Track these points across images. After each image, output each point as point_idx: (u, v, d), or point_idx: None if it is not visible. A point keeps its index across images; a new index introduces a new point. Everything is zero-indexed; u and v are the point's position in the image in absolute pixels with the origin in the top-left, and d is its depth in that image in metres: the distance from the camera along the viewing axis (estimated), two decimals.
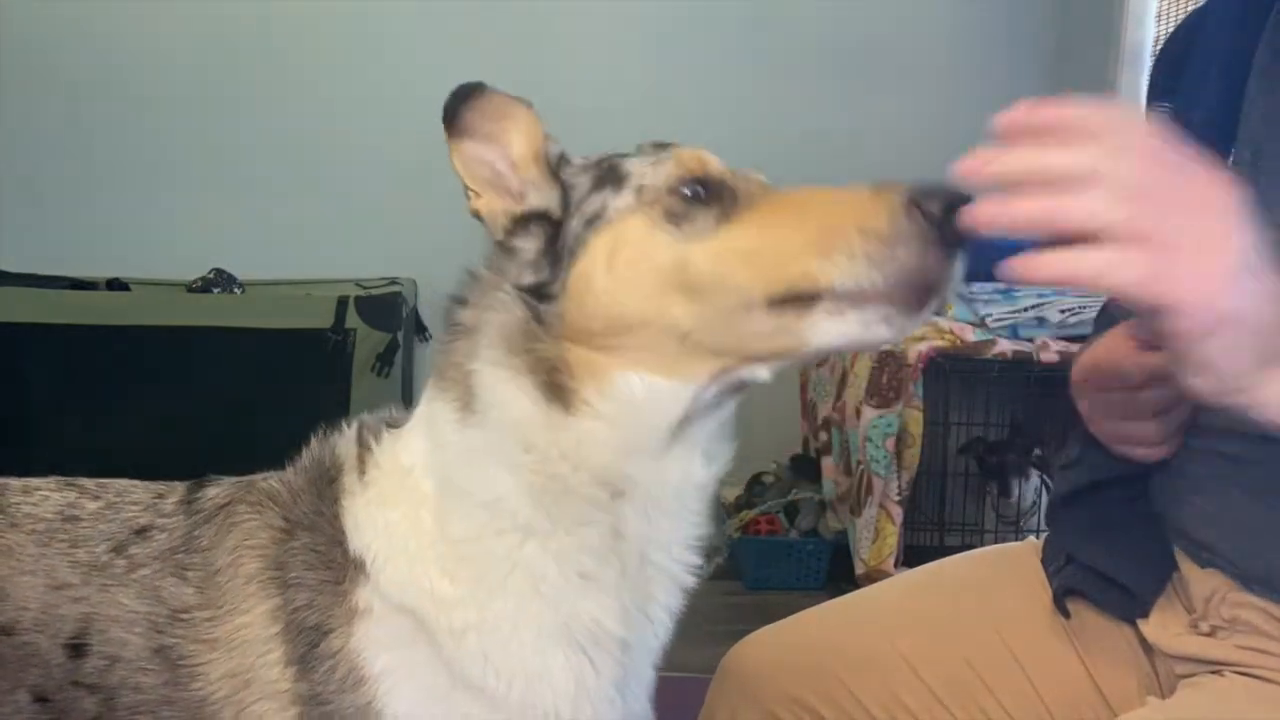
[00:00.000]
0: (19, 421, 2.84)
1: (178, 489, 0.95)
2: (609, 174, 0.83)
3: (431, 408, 0.86)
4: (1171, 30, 1.20)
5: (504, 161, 0.86)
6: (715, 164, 0.81)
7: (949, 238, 0.71)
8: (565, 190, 0.84)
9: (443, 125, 0.84)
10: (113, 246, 3.27)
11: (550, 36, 3.39)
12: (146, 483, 0.97)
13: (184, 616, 0.86)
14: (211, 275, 3.11)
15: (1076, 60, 3.53)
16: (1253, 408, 0.69)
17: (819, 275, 0.72)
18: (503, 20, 3.38)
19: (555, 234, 0.83)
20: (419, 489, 0.86)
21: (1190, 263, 0.63)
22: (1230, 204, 0.65)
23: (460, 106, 0.83)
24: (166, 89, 3.30)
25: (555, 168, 0.86)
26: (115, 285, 3.13)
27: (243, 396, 2.85)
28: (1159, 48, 1.20)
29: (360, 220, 3.40)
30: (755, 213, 0.78)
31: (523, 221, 0.85)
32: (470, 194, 0.87)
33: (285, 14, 3.34)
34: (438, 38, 3.38)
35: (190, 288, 3.10)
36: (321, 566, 0.85)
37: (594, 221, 0.80)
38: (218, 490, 0.93)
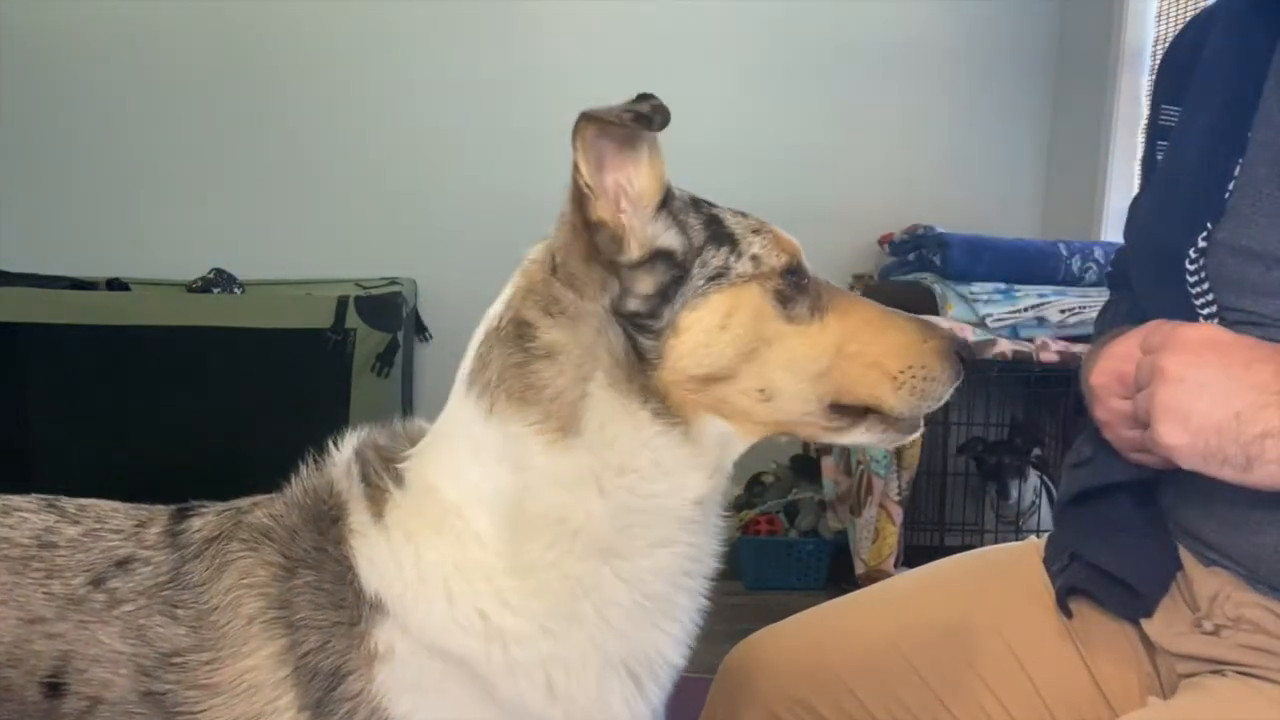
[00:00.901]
0: (18, 421, 2.83)
1: (159, 517, 0.92)
2: (718, 229, 0.87)
3: (506, 430, 0.83)
4: (1176, 34, 1.19)
5: (624, 182, 0.85)
6: (801, 252, 0.90)
7: (965, 371, 0.91)
8: (678, 225, 0.86)
9: (596, 117, 0.81)
10: (113, 246, 3.26)
11: (552, 38, 3.39)
12: (128, 507, 0.93)
13: (177, 660, 0.83)
14: (211, 275, 3.10)
15: (1076, 60, 3.53)
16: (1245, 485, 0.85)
17: (885, 400, 0.89)
18: (503, 23, 3.38)
19: (677, 275, 0.84)
20: (469, 526, 0.84)
21: (1166, 427, 0.86)
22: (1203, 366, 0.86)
23: (640, 111, 0.82)
24: (167, 89, 3.30)
25: (666, 201, 0.86)
26: (115, 285, 3.13)
27: (242, 396, 2.84)
28: (1163, 52, 1.19)
29: (360, 220, 3.39)
30: (836, 315, 0.89)
31: (652, 256, 0.85)
32: (589, 195, 0.83)
33: (286, 14, 3.34)
34: (438, 38, 3.38)
35: (190, 288, 3.09)
36: (331, 607, 0.83)
37: (717, 278, 0.85)
38: (202, 522, 0.90)
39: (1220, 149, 1.00)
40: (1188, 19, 1.21)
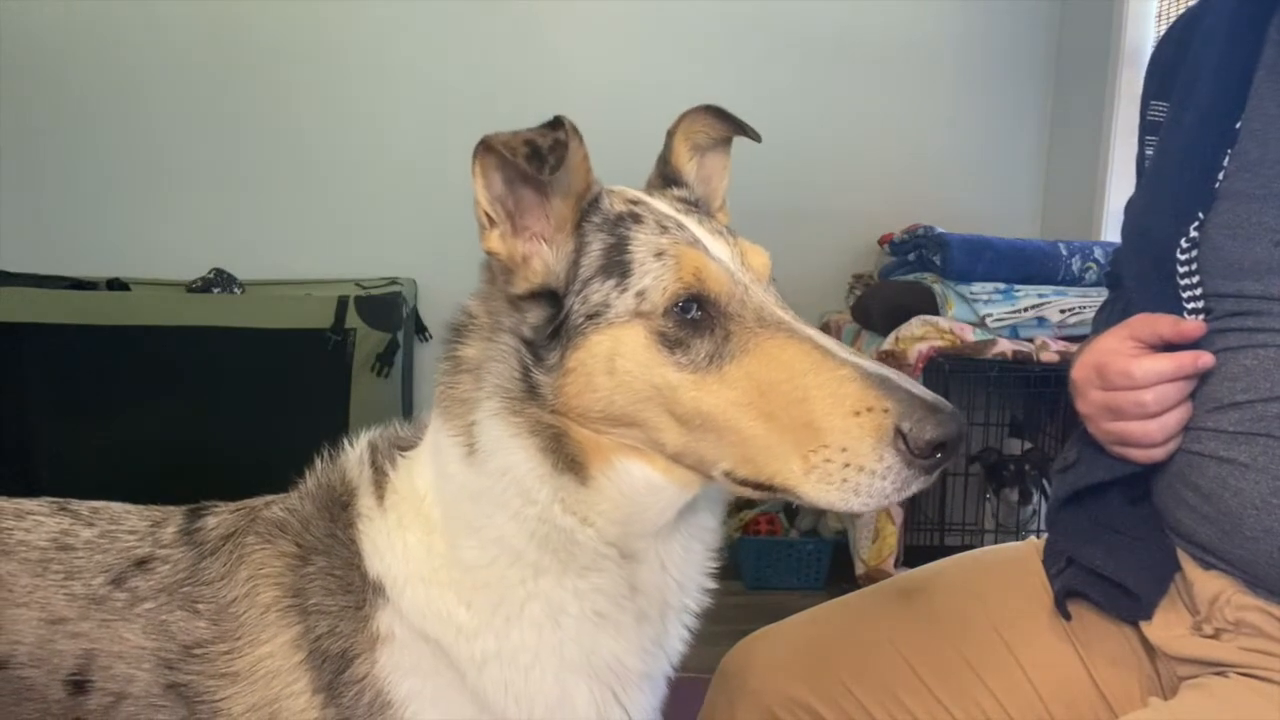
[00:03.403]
0: (19, 421, 2.83)
1: (174, 517, 0.93)
2: (617, 258, 0.78)
3: (437, 438, 0.84)
4: (1164, 30, 1.20)
5: (540, 206, 0.80)
6: (715, 277, 0.77)
7: (932, 466, 0.68)
8: (578, 250, 0.79)
9: (494, 148, 0.75)
10: (113, 246, 3.26)
11: (552, 38, 3.39)
12: (140, 508, 0.95)
13: (198, 651, 0.85)
14: (211, 275, 3.10)
15: (1076, 60, 3.53)
16: None
17: (792, 485, 0.72)
18: (501, 20, 3.38)
19: (556, 311, 0.79)
20: (430, 515, 0.85)
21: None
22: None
23: (535, 140, 0.74)
24: (167, 89, 3.30)
25: (584, 216, 0.81)
26: (115, 285, 3.13)
27: (243, 397, 2.84)
28: (1153, 49, 1.20)
29: (360, 220, 3.39)
30: (747, 362, 0.74)
31: (534, 293, 0.81)
32: (486, 223, 0.80)
33: (285, 15, 3.34)
34: (437, 38, 3.38)
35: (190, 288, 3.09)
36: (340, 591, 0.84)
37: (595, 317, 0.77)
38: (217, 520, 0.92)
39: (1209, 140, 1.00)
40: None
